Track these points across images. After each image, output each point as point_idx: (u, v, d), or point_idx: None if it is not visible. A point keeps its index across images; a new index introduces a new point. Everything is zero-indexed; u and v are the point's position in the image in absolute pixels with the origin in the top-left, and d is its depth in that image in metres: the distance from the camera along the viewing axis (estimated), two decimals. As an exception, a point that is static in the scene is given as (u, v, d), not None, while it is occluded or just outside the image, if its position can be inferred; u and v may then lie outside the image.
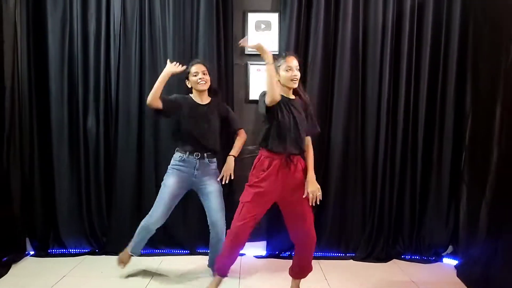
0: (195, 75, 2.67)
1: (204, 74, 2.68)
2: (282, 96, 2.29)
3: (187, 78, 2.73)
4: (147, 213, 3.17)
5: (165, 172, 2.75)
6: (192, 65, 2.71)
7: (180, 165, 2.69)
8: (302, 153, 2.36)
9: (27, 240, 3.18)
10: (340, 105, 3.17)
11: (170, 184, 2.67)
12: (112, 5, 3.10)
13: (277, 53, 3.18)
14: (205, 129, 2.69)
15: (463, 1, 3.09)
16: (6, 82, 2.89)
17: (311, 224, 2.33)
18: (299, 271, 2.45)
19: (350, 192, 3.24)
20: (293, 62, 2.31)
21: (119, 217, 3.16)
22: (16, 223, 3.03)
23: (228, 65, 3.18)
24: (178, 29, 3.12)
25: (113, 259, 3.04)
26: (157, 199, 2.69)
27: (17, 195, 3.03)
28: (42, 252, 3.15)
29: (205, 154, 2.69)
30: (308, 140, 2.41)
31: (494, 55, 2.69)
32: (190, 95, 2.76)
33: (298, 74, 2.32)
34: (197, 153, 2.67)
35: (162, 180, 2.75)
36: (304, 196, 2.28)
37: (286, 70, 2.29)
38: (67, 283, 2.68)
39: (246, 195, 2.31)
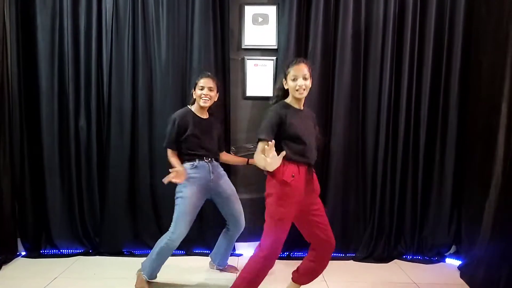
0: (201, 89, 2.53)
1: (210, 90, 2.53)
2: (291, 107, 2.14)
3: (194, 89, 2.58)
4: (141, 212, 3.11)
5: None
6: (202, 77, 2.56)
7: (193, 173, 2.50)
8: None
9: (19, 241, 3.10)
10: (340, 101, 3.05)
11: (189, 195, 2.45)
12: (103, -2, 3.00)
13: (275, 47, 3.10)
14: (209, 143, 2.59)
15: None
16: (-5, 80, 2.80)
17: (330, 229, 2.19)
18: (310, 275, 2.28)
19: (350, 191, 3.13)
20: (300, 71, 2.07)
21: (113, 217, 3.07)
22: (7, 223, 2.96)
23: (225, 60, 3.07)
24: (173, 23, 3.01)
25: (106, 259, 3.03)
26: (177, 214, 2.45)
27: (8, 195, 2.95)
28: (34, 253, 3.08)
29: (213, 158, 2.61)
30: None
31: (498, 52, 2.57)
32: (190, 107, 2.61)
33: (303, 84, 2.07)
34: (207, 157, 2.56)
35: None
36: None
37: (292, 80, 2.09)
38: (58, 285, 2.60)
39: (276, 211, 2.06)
